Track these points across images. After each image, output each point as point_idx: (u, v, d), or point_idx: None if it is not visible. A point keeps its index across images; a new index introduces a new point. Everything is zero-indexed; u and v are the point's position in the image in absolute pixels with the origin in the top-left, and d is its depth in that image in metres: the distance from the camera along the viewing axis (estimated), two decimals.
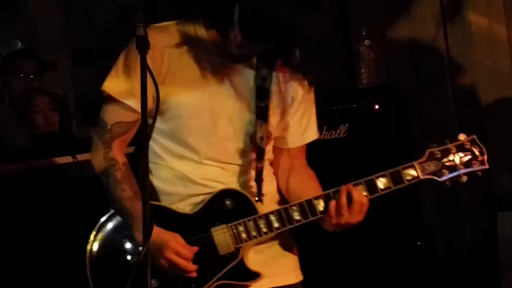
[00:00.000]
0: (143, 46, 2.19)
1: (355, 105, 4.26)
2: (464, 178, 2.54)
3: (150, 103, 2.48)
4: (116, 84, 2.50)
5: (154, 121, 2.15)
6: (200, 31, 2.49)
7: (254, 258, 2.53)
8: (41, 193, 3.96)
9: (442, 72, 4.56)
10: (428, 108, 4.61)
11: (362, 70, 4.55)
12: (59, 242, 3.85)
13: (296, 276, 2.67)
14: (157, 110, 2.18)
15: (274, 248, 2.61)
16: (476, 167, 2.53)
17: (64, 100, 5.24)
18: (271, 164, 2.67)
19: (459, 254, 4.50)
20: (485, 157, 2.54)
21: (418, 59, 4.67)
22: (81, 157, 3.94)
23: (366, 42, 4.57)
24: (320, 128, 4.26)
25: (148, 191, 2.11)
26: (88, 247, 2.56)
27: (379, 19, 4.77)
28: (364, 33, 4.60)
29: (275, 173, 2.67)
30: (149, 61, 2.43)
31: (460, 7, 4.47)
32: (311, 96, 2.67)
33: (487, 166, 2.53)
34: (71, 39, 6.12)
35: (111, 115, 2.51)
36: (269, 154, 2.63)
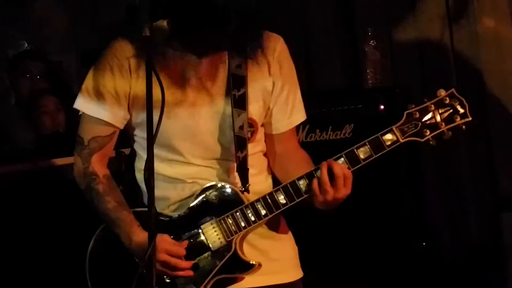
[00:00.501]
0: (148, 47, 2.19)
1: (360, 106, 4.26)
2: (449, 134, 2.45)
3: (126, 113, 2.52)
4: (88, 100, 2.52)
5: (159, 125, 2.14)
6: (166, 31, 2.44)
7: (251, 254, 2.53)
8: (47, 193, 3.97)
9: (448, 73, 4.56)
10: None
11: (368, 71, 4.55)
12: (65, 241, 3.86)
13: (295, 274, 2.66)
14: (162, 112, 2.17)
15: (272, 245, 2.61)
16: (458, 120, 2.44)
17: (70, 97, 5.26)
18: (265, 155, 2.66)
19: (464, 254, 4.50)
20: (467, 108, 2.44)
21: (424, 59, 4.67)
22: None
23: (372, 42, 4.57)
24: (325, 128, 4.35)
25: (153, 193, 2.11)
26: (89, 251, 2.59)
27: (384, 20, 4.77)
28: (369, 34, 4.60)
29: (269, 161, 2.66)
30: (116, 73, 2.46)
31: (466, 8, 4.47)
32: (293, 78, 2.64)
33: (469, 118, 2.43)
34: (78, 40, 6.13)
35: (87, 131, 2.55)
36: (259, 145, 2.62)
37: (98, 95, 2.50)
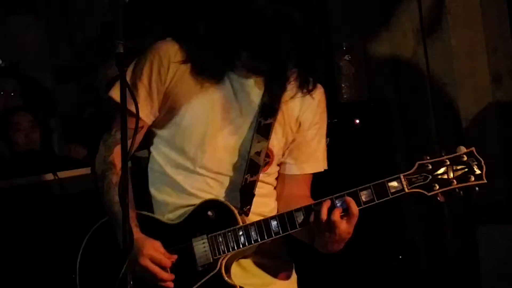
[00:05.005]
0: (122, 64, 2.20)
1: (336, 120, 4.27)
2: (459, 194, 2.34)
3: (156, 111, 2.52)
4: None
5: (133, 141, 2.14)
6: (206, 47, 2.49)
7: (249, 279, 2.53)
8: (23, 211, 3.94)
9: (422, 86, 4.59)
10: (408, 123, 4.64)
11: (343, 85, 4.58)
12: (41, 259, 3.83)
13: None
14: (137, 127, 2.17)
15: (270, 270, 2.59)
16: (472, 181, 2.33)
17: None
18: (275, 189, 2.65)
19: (441, 266, 4.52)
20: (483, 171, 2.33)
21: (398, 73, 4.70)
22: (62, 174, 3.93)
23: (346, 57, 4.60)
24: None
25: (127, 209, 2.10)
26: (80, 254, 2.58)
27: (359, 35, 4.81)
28: (344, 48, 4.63)
29: (277, 200, 2.64)
30: (155, 70, 2.48)
31: (439, 22, 4.50)
32: (322, 128, 2.63)
33: (484, 181, 2.32)
34: (52, 57, 6.11)
35: (116, 120, 2.52)
36: (270, 178, 2.61)
37: (133, 87, 2.48)
